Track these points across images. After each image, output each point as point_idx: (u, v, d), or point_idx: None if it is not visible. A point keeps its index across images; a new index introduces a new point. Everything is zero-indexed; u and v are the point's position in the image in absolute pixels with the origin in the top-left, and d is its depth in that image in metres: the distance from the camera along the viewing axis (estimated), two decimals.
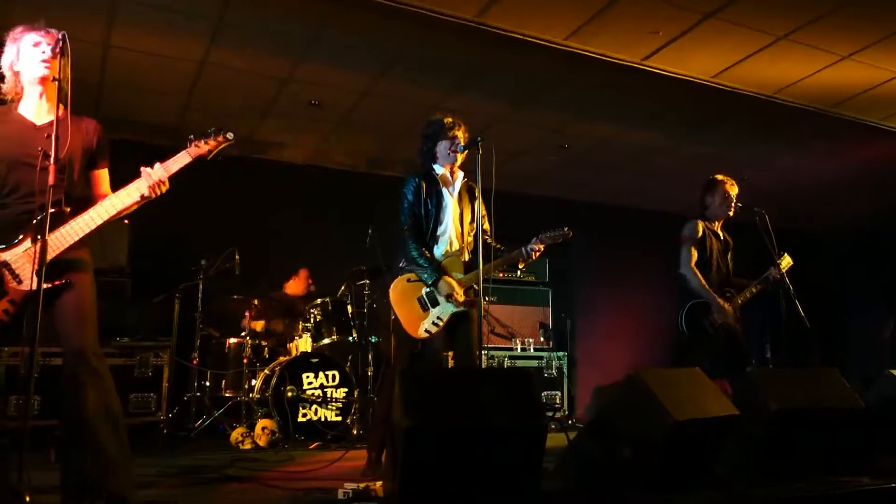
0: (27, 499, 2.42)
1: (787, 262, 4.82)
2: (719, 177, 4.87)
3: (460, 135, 3.85)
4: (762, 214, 4.74)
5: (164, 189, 2.86)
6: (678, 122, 6.82)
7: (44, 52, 2.79)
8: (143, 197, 2.83)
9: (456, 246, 3.85)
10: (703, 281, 4.58)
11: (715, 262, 4.72)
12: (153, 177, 2.82)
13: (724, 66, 5.66)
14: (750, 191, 4.95)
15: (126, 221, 5.60)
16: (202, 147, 2.93)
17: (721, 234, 4.86)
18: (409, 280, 3.74)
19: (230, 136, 2.97)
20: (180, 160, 2.90)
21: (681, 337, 4.64)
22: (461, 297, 3.68)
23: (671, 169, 8.03)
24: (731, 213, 4.83)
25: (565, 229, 3.90)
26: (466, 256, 3.88)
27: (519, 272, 7.50)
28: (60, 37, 2.73)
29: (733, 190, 4.82)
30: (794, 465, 3.40)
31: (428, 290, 3.70)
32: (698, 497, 3.07)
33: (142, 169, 2.83)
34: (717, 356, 4.52)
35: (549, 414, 6.84)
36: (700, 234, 4.72)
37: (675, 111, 6.55)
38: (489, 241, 3.84)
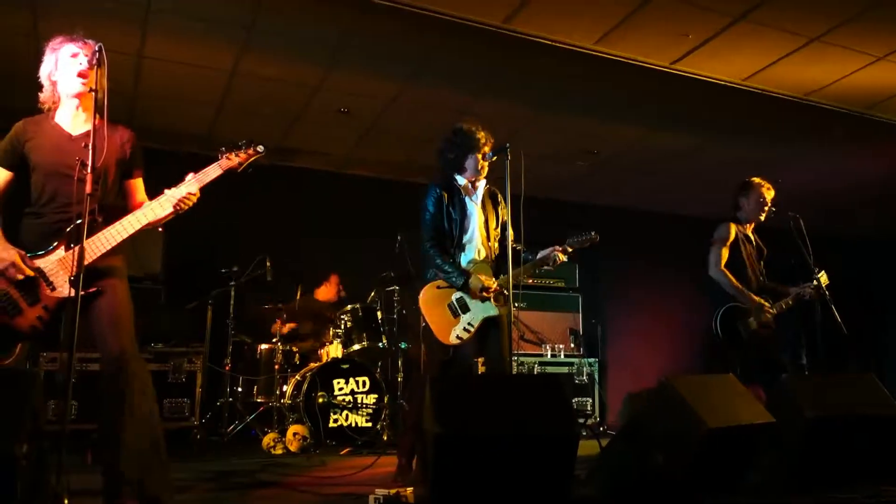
0: (66, 501, 2.46)
1: (823, 279, 4.68)
2: (755, 179, 4.78)
3: (489, 150, 3.86)
4: (796, 219, 4.66)
5: (194, 200, 2.93)
6: (708, 126, 6.74)
7: (81, 64, 2.85)
8: (175, 209, 2.89)
9: (483, 253, 3.84)
10: (736, 281, 4.51)
11: (749, 265, 4.65)
12: (184, 189, 2.89)
13: (755, 70, 5.59)
14: (781, 194, 4.87)
15: (160, 229, 5.70)
16: (233, 160, 3.00)
17: (753, 239, 4.79)
18: (438, 287, 3.73)
19: (260, 148, 3.04)
20: (211, 172, 2.97)
21: (715, 342, 4.57)
22: (493, 286, 3.67)
23: (701, 173, 7.93)
24: (762, 218, 4.76)
25: (592, 233, 3.91)
26: (492, 257, 3.87)
27: (543, 275, 7.46)
28: (97, 48, 2.78)
29: (769, 194, 4.73)
30: (830, 473, 3.34)
31: (458, 296, 3.70)
32: None
33: (165, 191, 2.90)
34: (751, 362, 4.46)
35: (581, 421, 6.79)
36: (732, 236, 4.64)
37: (704, 115, 6.47)
38: (516, 246, 3.83)
